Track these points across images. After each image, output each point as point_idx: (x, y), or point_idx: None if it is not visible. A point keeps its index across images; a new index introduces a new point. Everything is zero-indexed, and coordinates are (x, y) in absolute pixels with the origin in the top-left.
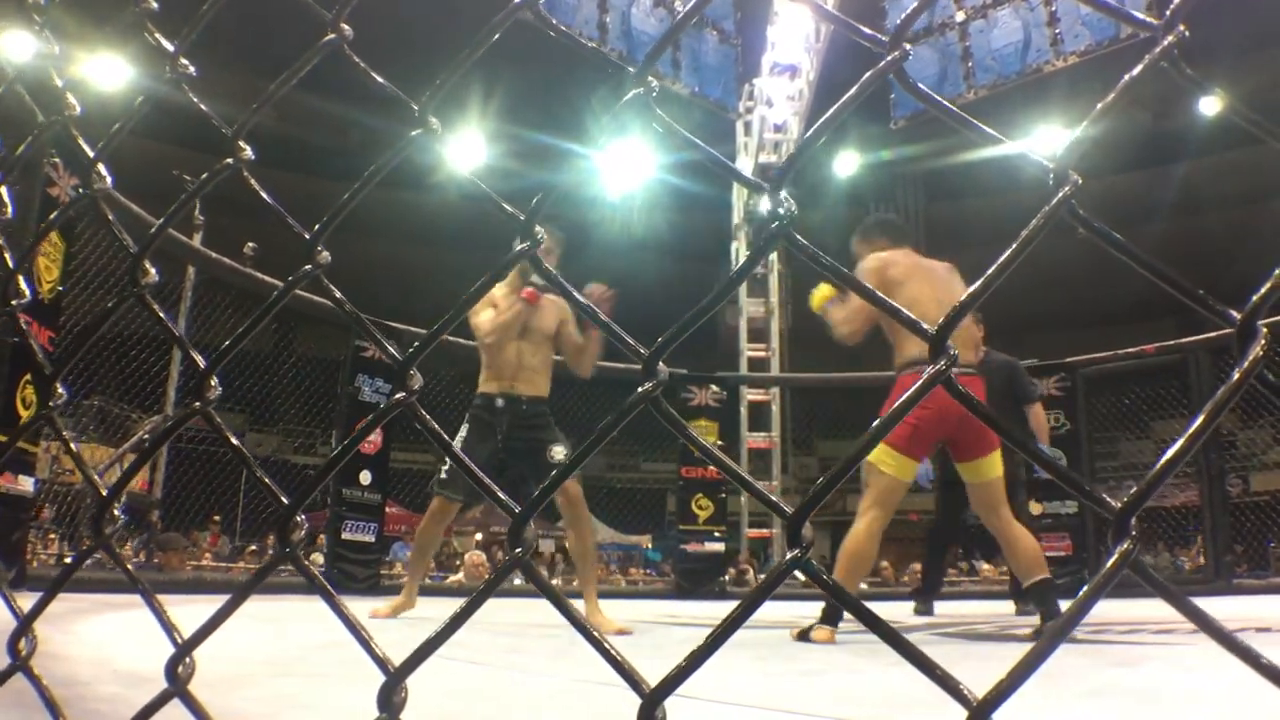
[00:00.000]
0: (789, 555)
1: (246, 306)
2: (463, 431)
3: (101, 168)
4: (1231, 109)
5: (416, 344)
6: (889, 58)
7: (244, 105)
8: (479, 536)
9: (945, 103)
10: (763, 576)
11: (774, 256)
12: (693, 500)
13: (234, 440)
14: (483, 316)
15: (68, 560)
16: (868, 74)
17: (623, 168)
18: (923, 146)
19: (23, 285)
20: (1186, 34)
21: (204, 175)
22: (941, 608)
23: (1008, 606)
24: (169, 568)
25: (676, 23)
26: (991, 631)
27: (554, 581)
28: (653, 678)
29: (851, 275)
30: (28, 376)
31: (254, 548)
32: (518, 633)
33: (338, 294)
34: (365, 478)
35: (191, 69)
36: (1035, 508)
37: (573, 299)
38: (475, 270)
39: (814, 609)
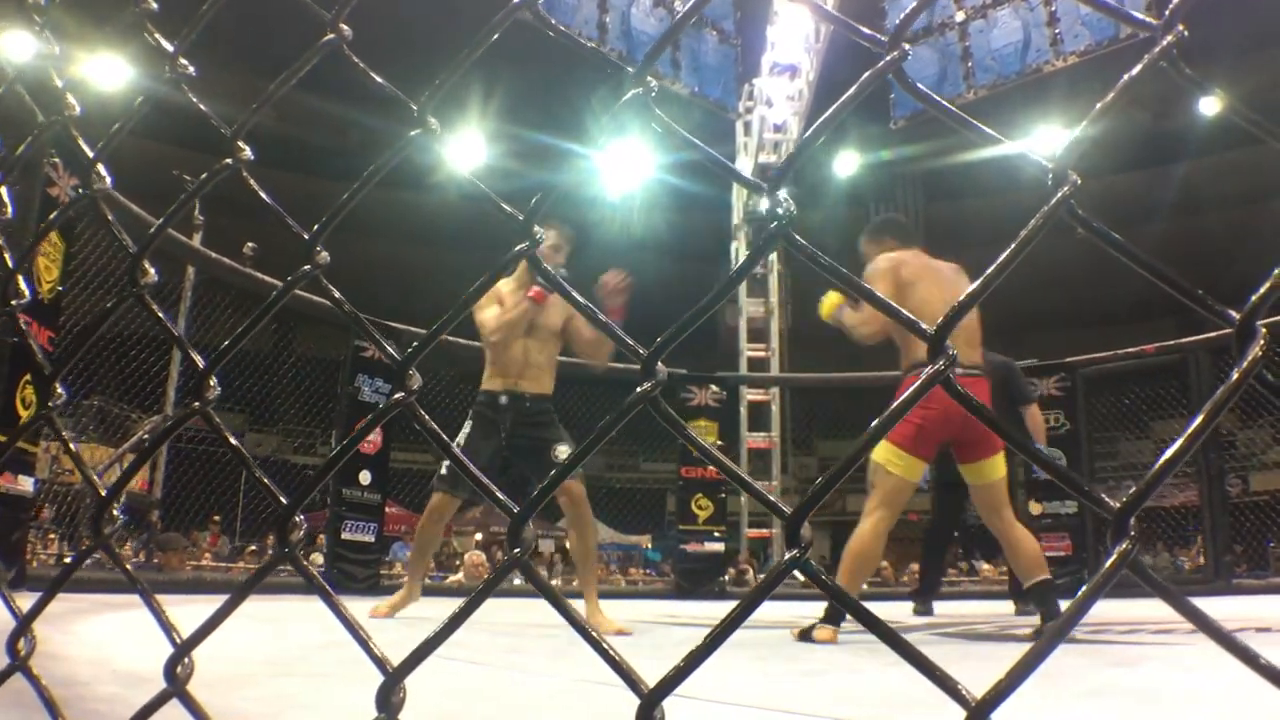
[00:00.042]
0: (788, 555)
1: (246, 306)
2: (466, 428)
3: (101, 168)
4: (1231, 109)
5: (415, 344)
6: (888, 58)
7: (244, 105)
8: (479, 536)
9: (944, 103)
10: (762, 576)
11: (774, 256)
12: (692, 500)
13: (233, 440)
14: (488, 313)
15: (67, 560)
16: (867, 74)
17: (622, 168)
18: (922, 146)
19: (22, 285)
20: (1185, 34)
21: (203, 175)
22: (941, 608)
23: (1007, 606)
24: (169, 568)
25: (675, 23)
26: (991, 631)
27: (554, 582)
28: (652, 678)
29: (849, 275)
30: (27, 376)
31: (254, 548)
32: (517, 633)
33: (336, 294)
34: (365, 478)
35: (191, 69)
36: (1035, 508)
37: (571, 299)
38: (475, 270)
39: (814, 609)
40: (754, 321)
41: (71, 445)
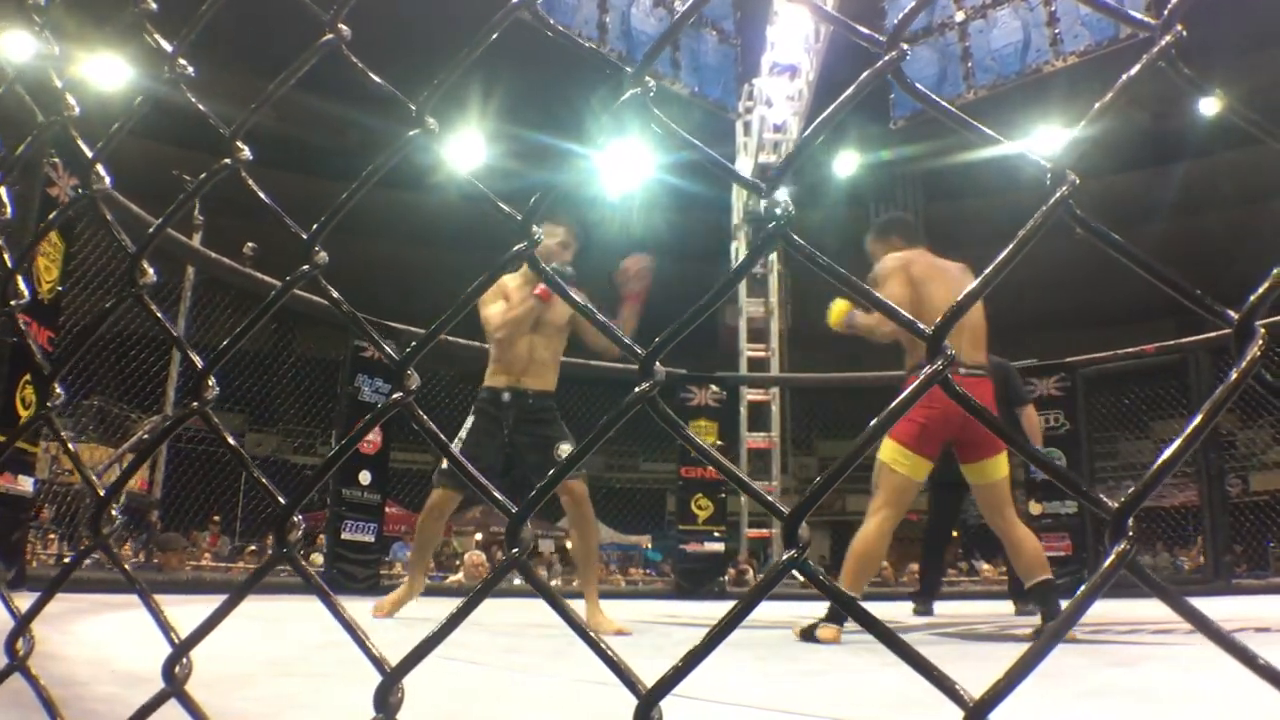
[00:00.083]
0: (785, 555)
1: (246, 307)
2: (467, 424)
3: (100, 168)
4: (1229, 109)
5: (414, 344)
6: (886, 58)
7: (244, 106)
8: (479, 536)
9: (943, 103)
10: (762, 576)
11: (773, 256)
12: (692, 500)
13: (231, 440)
14: (493, 309)
15: (67, 560)
16: (865, 74)
17: (622, 168)
18: (922, 146)
19: (21, 285)
20: (1184, 34)
21: (202, 175)
22: (941, 608)
23: (1007, 606)
24: (168, 568)
25: (674, 23)
26: (991, 631)
27: (553, 582)
28: (652, 678)
29: (846, 275)
30: (27, 376)
31: (254, 548)
32: (517, 633)
33: (335, 294)
34: (365, 478)
35: (190, 69)
36: (1035, 508)
37: (570, 300)
38: (475, 270)
39: (814, 608)
40: (754, 321)
41: (70, 445)
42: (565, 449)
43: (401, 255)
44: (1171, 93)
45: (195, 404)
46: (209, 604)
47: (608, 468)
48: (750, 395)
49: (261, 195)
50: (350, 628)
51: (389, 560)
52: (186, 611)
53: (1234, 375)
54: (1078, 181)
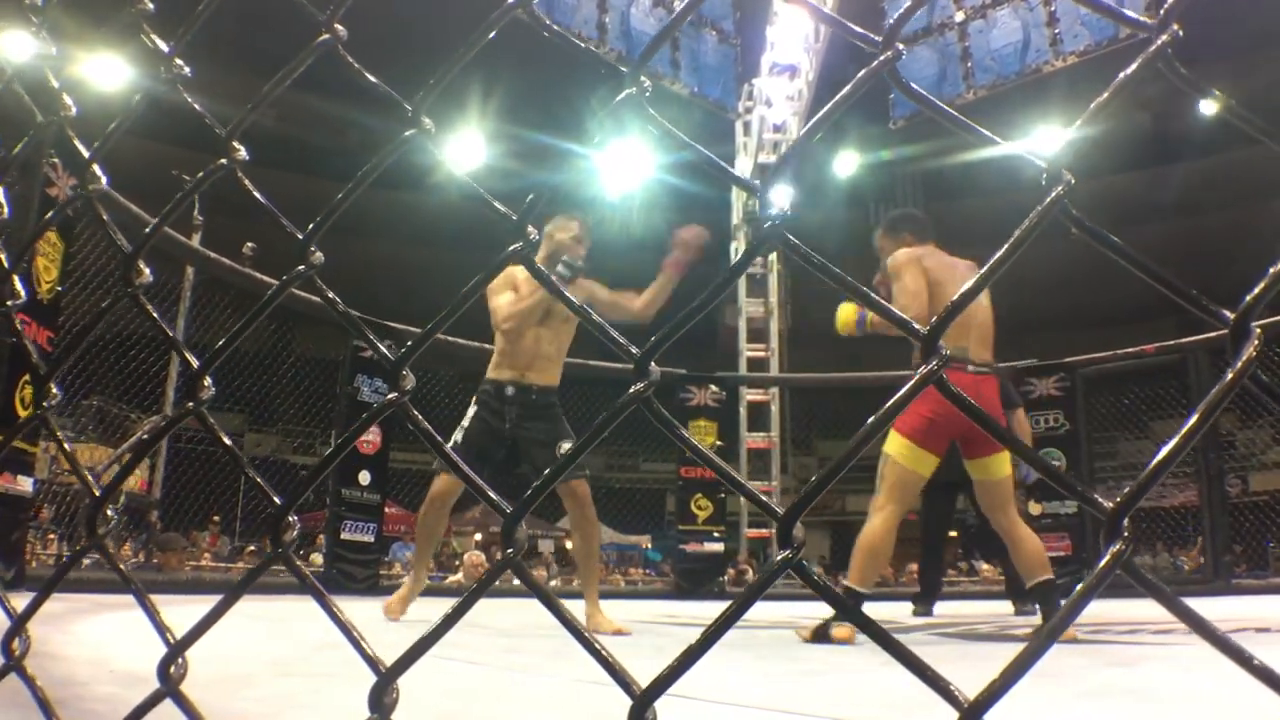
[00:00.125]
0: (779, 556)
1: (245, 307)
2: (469, 415)
3: (96, 168)
4: (1227, 109)
5: (409, 344)
6: (881, 58)
7: (244, 106)
8: (478, 537)
9: (939, 103)
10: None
11: (773, 257)
12: (692, 500)
13: (226, 440)
14: (502, 299)
15: (66, 561)
16: (860, 74)
17: (622, 168)
18: (922, 146)
19: (18, 286)
20: (1180, 33)
21: (199, 175)
22: (941, 608)
23: (1007, 607)
24: (168, 568)
25: (670, 22)
26: (990, 632)
27: (552, 583)
28: (651, 678)
29: (841, 274)
30: (27, 376)
31: (253, 548)
32: (517, 633)
33: (330, 294)
34: (364, 478)
35: (186, 70)
36: (1035, 508)
37: (567, 302)
38: (475, 271)
39: (813, 609)
40: (753, 321)
41: (67, 445)
42: (567, 448)
43: (401, 255)
44: (1172, 93)
45: (190, 404)
46: (208, 604)
47: (607, 468)
48: (750, 395)
49: (257, 195)
50: (346, 628)
51: (388, 560)
52: (186, 612)
53: (1230, 375)
54: (1073, 181)
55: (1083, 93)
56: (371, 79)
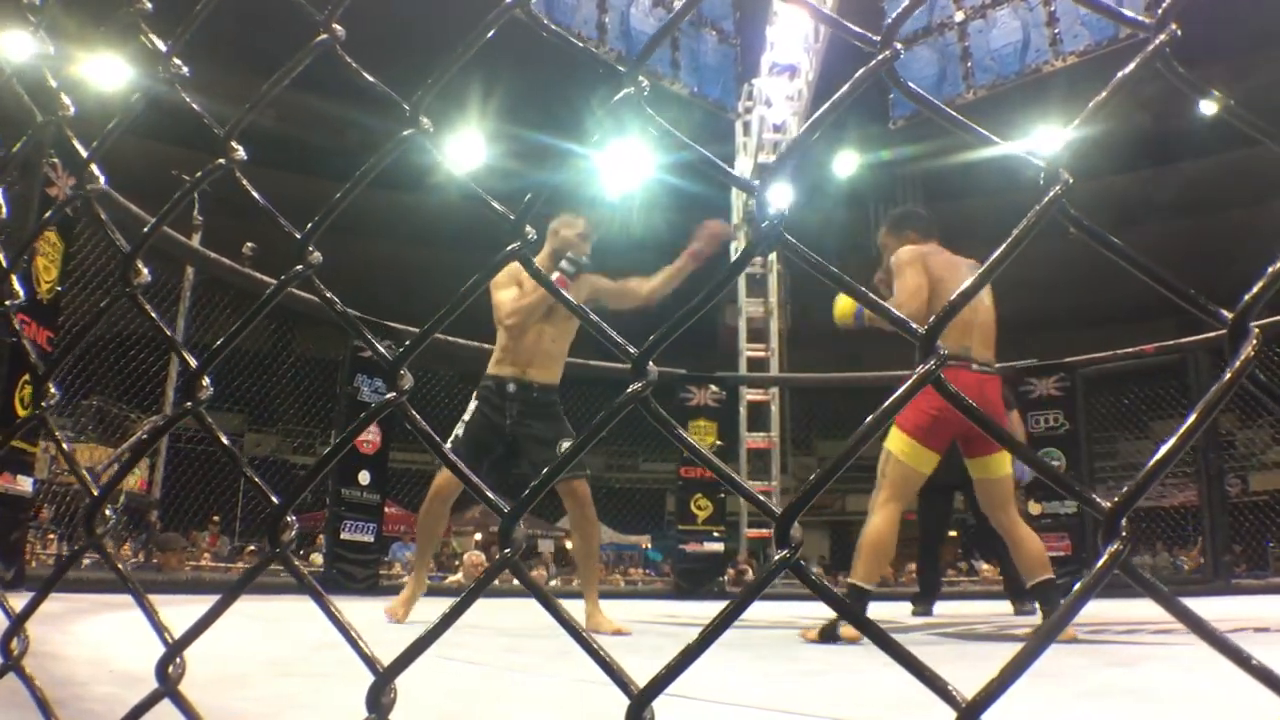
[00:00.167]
0: (777, 556)
1: (245, 307)
2: (469, 410)
3: (94, 168)
4: (1226, 109)
5: (407, 344)
6: (879, 57)
7: (244, 106)
8: (478, 536)
9: (936, 102)
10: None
11: (773, 256)
12: (692, 500)
13: (224, 440)
14: (506, 294)
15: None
16: (858, 73)
17: (622, 168)
18: (922, 146)
19: (16, 285)
20: (1178, 33)
21: (197, 175)
22: (941, 608)
23: (1007, 606)
24: (168, 568)
25: (668, 21)
26: (990, 631)
27: (552, 582)
28: (649, 678)
29: (838, 274)
30: (26, 376)
31: (253, 548)
32: (517, 633)
33: (328, 294)
34: (364, 478)
35: (185, 69)
36: (1034, 508)
37: (564, 301)
38: (475, 270)
39: (813, 609)
40: (753, 321)
41: (66, 445)
42: (567, 447)
43: (401, 255)
44: (1172, 93)
45: (188, 404)
46: (208, 604)
47: (607, 468)
48: (750, 395)
49: (255, 195)
50: (343, 628)
51: (388, 560)
52: (186, 612)
53: (1228, 375)
54: (1071, 181)
55: (1082, 93)
56: (369, 79)
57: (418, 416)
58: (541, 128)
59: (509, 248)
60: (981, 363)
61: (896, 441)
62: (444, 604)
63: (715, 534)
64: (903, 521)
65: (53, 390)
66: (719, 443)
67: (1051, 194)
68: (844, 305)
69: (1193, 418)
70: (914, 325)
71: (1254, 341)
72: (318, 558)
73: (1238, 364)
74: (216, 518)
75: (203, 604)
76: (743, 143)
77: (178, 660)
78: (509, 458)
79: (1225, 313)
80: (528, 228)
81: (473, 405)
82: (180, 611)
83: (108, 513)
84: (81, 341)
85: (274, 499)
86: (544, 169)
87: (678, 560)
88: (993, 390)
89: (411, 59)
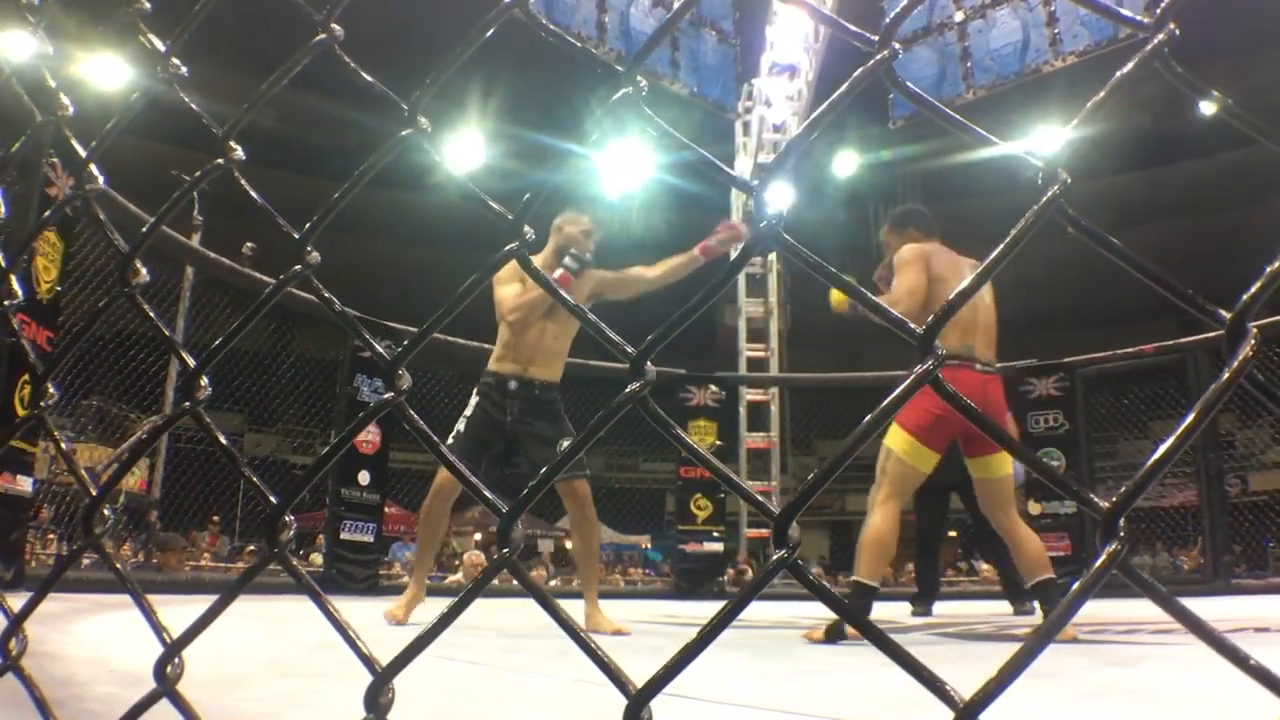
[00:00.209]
0: (775, 556)
1: (245, 307)
2: (470, 406)
3: (93, 167)
4: (1225, 109)
5: (405, 344)
6: (877, 57)
7: (243, 106)
8: (478, 536)
9: (935, 102)
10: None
11: (772, 256)
12: (691, 500)
13: (222, 440)
14: (508, 290)
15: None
16: (856, 73)
17: (622, 168)
18: (922, 146)
19: (15, 285)
20: (1177, 32)
21: (195, 174)
22: (940, 608)
23: (1007, 606)
24: (168, 568)
25: (666, 21)
26: (989, 631)
27: (552, 583)
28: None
29: (836, 274)
30: (26, 376)
31: (253, 548)
32: (516, 633)
33: (326, 294)
34: (364, 478)
35: (183, 69)
36: (1034, 507)
37: (559, 298)
38: (475, 270)
39: (813, 609)
40: (753, 321)
41: (64, 445)
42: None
43: (401, 255)
44: (1172, 93)
45: (187, 404)
46: (208, 605)
47: (607, 468)
48: (749, 395)
49: (254, 195)
50: (341, 628)
51: (388, 560)
52: (185, 612)
53: (1226, 375)
54: (1069, 181)
55: (1082, 93)
56: (367, 78)
57: (416, 416)
58: (541, 128)
59: (506, 247)
60: (984, 363)
61: (897, 439)
62: (443, 604)
63: (715, 534)
64: (902, 521)
65: (51, 390)
66: (719, 443)
67: (1050, 194)
68: (840, 293)
69: (1190, 418)
70: (912, 325)
71: (1252, 341)
72: (318, 558)
73: (1235, 364)
74: (216, 518)
75: (202, 604)
76: (742, 143)
77: (176, 660)
78: (508, 454)
79: (1223, 313)
80: (526, 227)
81: (474, 401)
82: (180, 612)
83: (106, 513)
84: (80, 342)
85: (272, 499)
86: (544, 169)
87: (677, 560)
88: (996, 390)
89: (411, 59)
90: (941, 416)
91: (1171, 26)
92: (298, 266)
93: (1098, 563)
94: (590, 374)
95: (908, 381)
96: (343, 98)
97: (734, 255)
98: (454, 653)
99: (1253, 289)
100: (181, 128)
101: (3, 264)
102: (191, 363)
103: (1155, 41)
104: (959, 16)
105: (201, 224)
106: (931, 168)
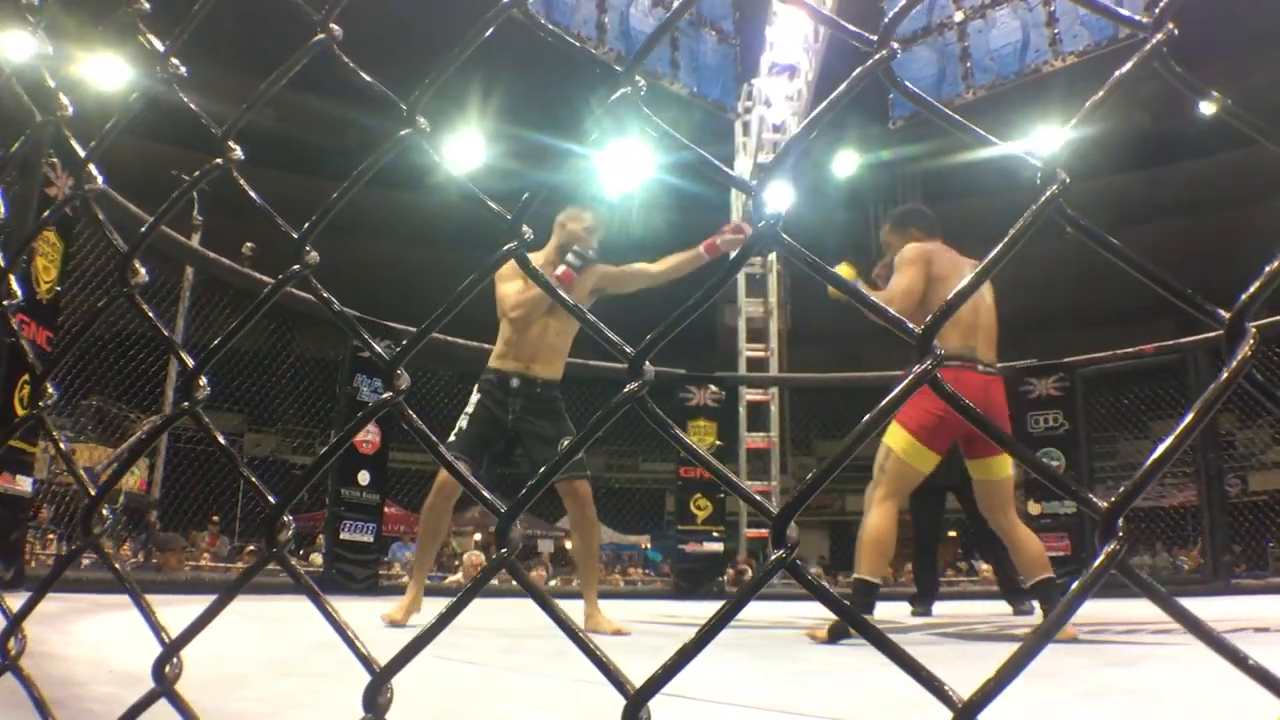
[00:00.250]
0: (773, 556)
1: (244, 307)
2: (472, 403)
3: (92, 167)
4: (1224, 109)
5: (403, 343)
6: (876, 57)
7: (242, 106)
8: (478, 537)
9: (934, 102)
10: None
11: (772, 256)
12: (691, 500)
13: (221, 440)
14: (510, 286)
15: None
16: (855, 73)
17: (621, 168)
18: (922, 146)
19: (14, 285)
20: (1176, 32)
21: (194, 174)
22: (940, 608)
23: (1007, 607)
24: (168, 568)
25: (665, 21)
26: (989, 631)
27: (551, 583)
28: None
29: (835, 274)
30: (25, 376)
31: (253, 548)
32: (516, 633)
33: (325, 294)
34: (364, 478)
35: (182, 69)
36: (1034, 507)
37: (558, 298)
38: (474, 270)
39: (813, 609)
40: (753, 321)
41: (63, 445)
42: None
43: (401, 255)
44: (1172, 92)
45: (186, 404)
46: (207, 605)
47: (607, 468)
48: (749, 395)
49: (253, 195)
50: (340, 628)
51: (388, 560)
52: (185, 612)
53: (1225, 375)
54: (1068, 181)
55: (1082, 93)
56: (366, 78)
57: (414, 416)
58: (541, 128)
59: (505, 247)
60: (986, 364)
61: (898, 439)
62: (442, 604)
63: (715, 534)
64: (901, 521)
65: (50, 390)
66: (718, 443)
67: (1048, 193)
68: (843, 273)
69: (1190, 417)
70: (910, 325)
71: (1251, 341)
72: (317, 558)
73: (1234, 364)
74: (216, 518)
75: (202, 604)
76: (742, 143)
77: (175, 660)
78: (509, 452)
79: (1222, 312)
80: (525, 227)
81: (475, 398)
82: (179, 612)
83: (105, 513)
84: (80, 341)
85: (271, 499)
86: (543, 169)
87: (677, 560)
88: (998, 392)
89: (411, 59)
90: (944, 418)
91: (1170, 26)
92: (297, 266)
93: (1096, 562)
94: (590, 374)
95: (906, 381)
96: (342, 98)
97: (733, 255)
98: (453, 653)
99: (1251, 289)
100: (181, 128)
101: (2, 264)
102: (190, 363)
103: (1154, 41)
104: (959, 16)
105: (201, 224)
106: (931, 168)
